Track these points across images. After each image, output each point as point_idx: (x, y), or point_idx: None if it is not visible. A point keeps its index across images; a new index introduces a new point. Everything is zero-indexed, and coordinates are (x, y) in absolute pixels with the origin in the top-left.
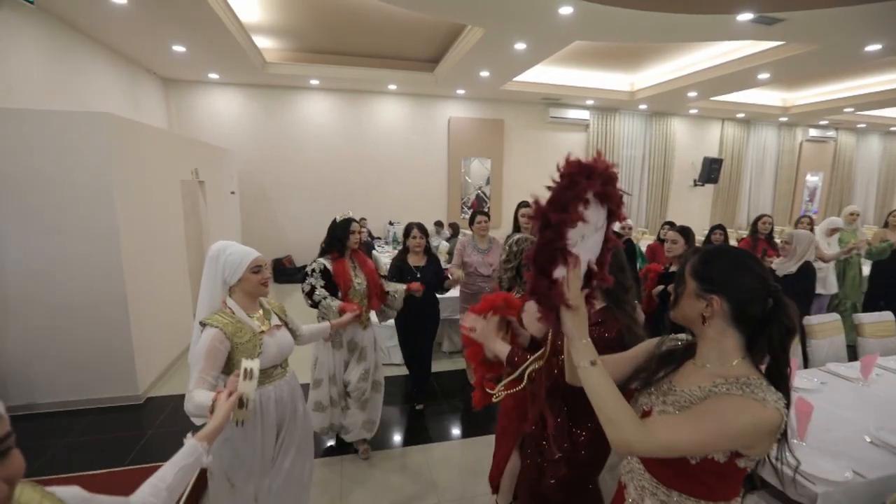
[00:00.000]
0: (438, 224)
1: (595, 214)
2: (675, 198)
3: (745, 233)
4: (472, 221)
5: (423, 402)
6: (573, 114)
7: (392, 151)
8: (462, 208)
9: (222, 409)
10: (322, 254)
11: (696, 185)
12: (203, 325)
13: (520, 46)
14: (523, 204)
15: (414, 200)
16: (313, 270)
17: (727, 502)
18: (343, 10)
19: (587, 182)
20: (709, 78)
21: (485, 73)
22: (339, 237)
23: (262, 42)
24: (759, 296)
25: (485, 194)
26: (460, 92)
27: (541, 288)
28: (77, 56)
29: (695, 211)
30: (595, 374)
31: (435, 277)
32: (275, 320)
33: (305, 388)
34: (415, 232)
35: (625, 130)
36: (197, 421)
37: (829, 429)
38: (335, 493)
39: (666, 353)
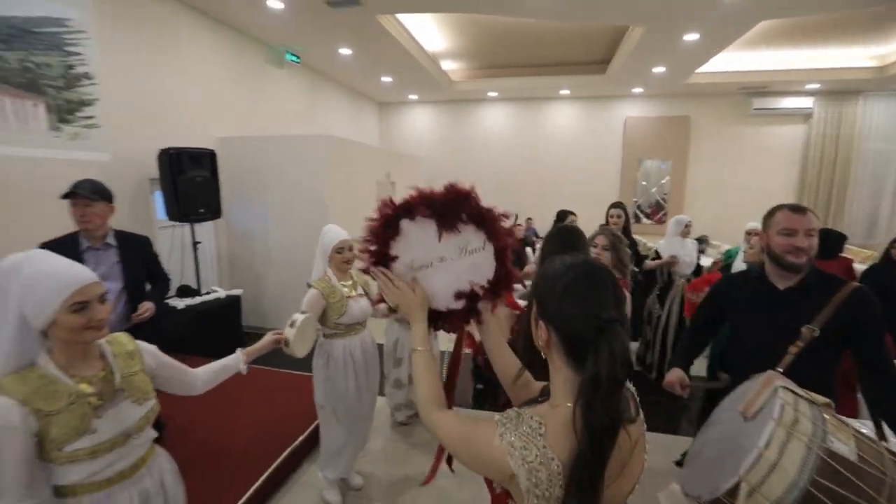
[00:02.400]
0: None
1: (449, 240)
2: None
3: None
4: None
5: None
6: (788, 102)
7: (563, 154)
8: (635, 213)
9: (265, 339)
10: None
11: None
12: (308, 285)
13: (691, 38)
14: (614, 205)
15: (583, 203)
16: None
17: None
18: (511, 28)
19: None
20: None
21: (659, 70)
22: None
23: (448, 65)
24: (587, 327)
25: (662, 199)
26: (637, 90)
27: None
28: (322, 93)
29: None
30: (418, 359)
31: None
32: (360, 290)
33: None
34: None
35: (870, 118)
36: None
37: None
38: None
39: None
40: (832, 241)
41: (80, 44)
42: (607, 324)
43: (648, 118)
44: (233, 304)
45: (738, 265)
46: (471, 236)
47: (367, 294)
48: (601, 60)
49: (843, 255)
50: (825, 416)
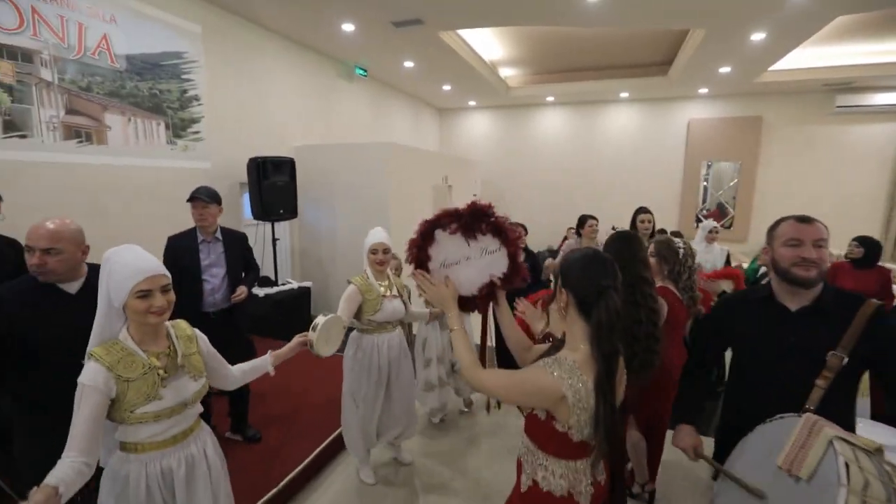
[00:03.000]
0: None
1: (472, 245)
2: None
3: None
4: (581, 225)
5: None
6: (880, 98)
7: (622, 157)
8: (697, 217)
9: (292, 343)
10: None
11: None
12: (348, 281)
13: (757, 37)
14: (642, 210)
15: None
16: None
17: (558, 459)
18: (568, 33)
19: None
20: None
21: (725, 69)
22: None
23: (506, 72)
24: (591, 291)
25: (726, 203)
26: (703, 91)
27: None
28: (386, 102)
29: None
30: (456, 336)
31: (532, 271)
32: (395, 291)
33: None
34: (519, 231)
35: None
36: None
37: None
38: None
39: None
40: (872, 250)
41: (192, 72)
42: (604, 289)
43: (714, 119)
44: (304, 294)
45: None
46: (489, 241)
47: (401, 296)
48: (661, 62)
49: (881, 265)
50: (885, 467)
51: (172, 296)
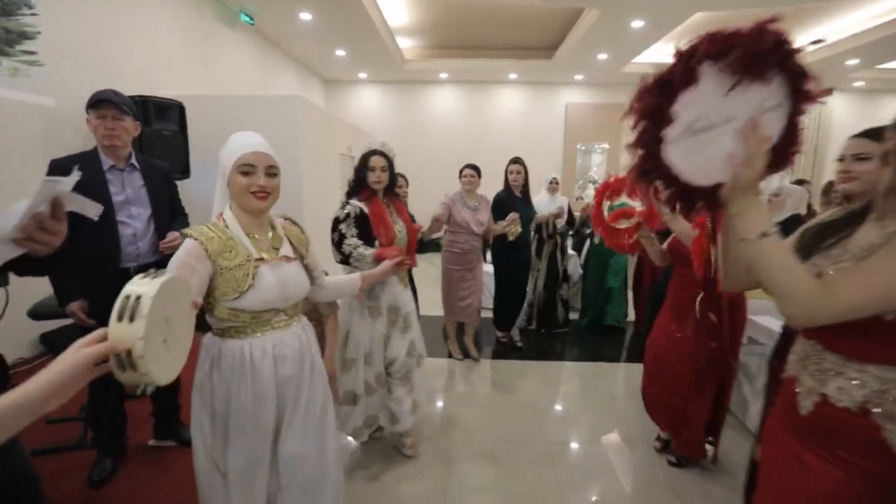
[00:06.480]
0: None
1: (744, 96)
2: None
3: None
4: (460, 174)
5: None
6: None
7: (509, 137)
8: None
9: (65, 361)
10: (349, 197)
11: None
12: (183, 234)
13: (637, 24)
14: (513, 160)
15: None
16: (347, 216)
17: (879, 365)
18: (472, 5)
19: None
20: (876, 38)
21: (602, 56)
22: (357, 169)
23: (403, 42)
24: None
25: (599, 180)
26: (578, 77)
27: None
28: (271, 62)
29: None
30: (768, 246)
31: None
32: (286, 250)
33: None
34: (400, 181)
35: None
36: None
37: None
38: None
39: (826, 225)
40: None
41: None
42: None
43: (588, 104)
44: None
45: None
46: (772, 91)
47: (301, 258)
48: (549, 46)
49: None
50: None
51: None
